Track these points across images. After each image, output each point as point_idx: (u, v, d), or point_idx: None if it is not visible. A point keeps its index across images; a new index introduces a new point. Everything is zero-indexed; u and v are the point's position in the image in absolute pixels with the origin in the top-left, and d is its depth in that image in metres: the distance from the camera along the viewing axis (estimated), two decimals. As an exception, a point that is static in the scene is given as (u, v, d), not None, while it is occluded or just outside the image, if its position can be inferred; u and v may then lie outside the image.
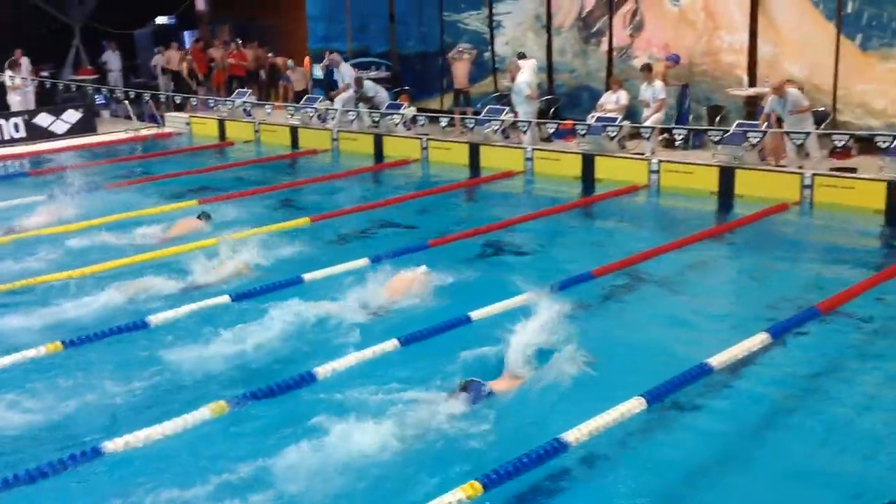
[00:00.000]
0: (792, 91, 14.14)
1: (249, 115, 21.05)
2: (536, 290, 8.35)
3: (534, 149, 16.49)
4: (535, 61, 17.87)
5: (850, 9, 15.11)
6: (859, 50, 15.07)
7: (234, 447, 6.62)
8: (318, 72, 21.88)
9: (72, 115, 21.42)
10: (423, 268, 9.88)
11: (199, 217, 12.79)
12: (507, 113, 17.36)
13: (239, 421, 7.01)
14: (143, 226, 12.65)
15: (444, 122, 18.15)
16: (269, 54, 23.65)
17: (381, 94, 19.48)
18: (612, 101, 16.50)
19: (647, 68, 16.05)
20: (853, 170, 13.83)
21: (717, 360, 7.62)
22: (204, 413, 6.96)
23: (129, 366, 8.03)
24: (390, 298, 9.45)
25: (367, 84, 19.44)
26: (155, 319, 8.99)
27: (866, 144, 14.10)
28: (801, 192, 13.44)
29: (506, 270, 10.72)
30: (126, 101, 22.38)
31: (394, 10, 21.61)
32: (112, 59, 26.15)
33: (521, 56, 18.16)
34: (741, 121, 15.28)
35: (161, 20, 28.70)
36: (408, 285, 9.65)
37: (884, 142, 13.12)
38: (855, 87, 15.12)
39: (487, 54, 19.84)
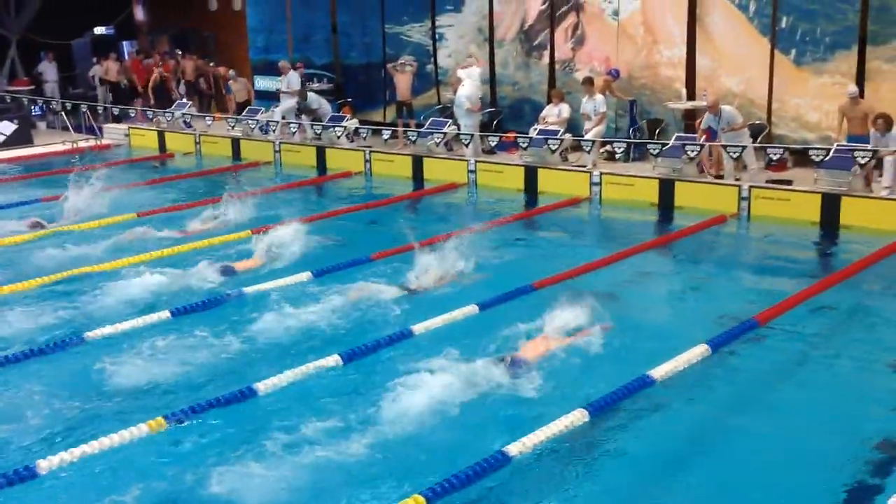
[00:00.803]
0: (726, 108, 14.39)
1: (190, 127, 20.84)
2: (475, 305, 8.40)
3: (477, 161, 16.55)
4: (480, 70, 17.94)
5: (784, 24, 15.43)
6: (793, 65, 15.39)
7: (172, 464, 6.54)
8: (261, 83, 21.69)
9: (7, 127, 21.04)
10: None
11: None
12: (450, 125, 17.41)
13: (179, 437, 6.92)
14: (79, 240, 12.46)
15: (386, 134, 18.14)
16: (211, 64, 23.43)
17: (325, 107, 19.42)
18: (554, 113, 16.63)
19: (588, 82, 16.21)
20: (789, 182, 14.11)
21: (658, 372, 7.70)
22: (142, 429, 6.86)
23: (65, 382, 7.89)
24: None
25: (311, 96, 19.37)
26: (92, 335, 8.84)
27: (801, 157, 14.39)
28: (739, 204, 13.66)
29: (449, 283, 10.71)
30: (63, 113, 22.01)
31: (336, 22, 21.56)
32: (48, 70, 25.70)
33: (469, 58, 18.25)
34: (680, 134, 15.50)
35: (99, 30, 28.28)
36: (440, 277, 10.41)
37: (817, 155, 13.39)
38: (789, 101, 15.44)
39: (430, 66, 19.88)
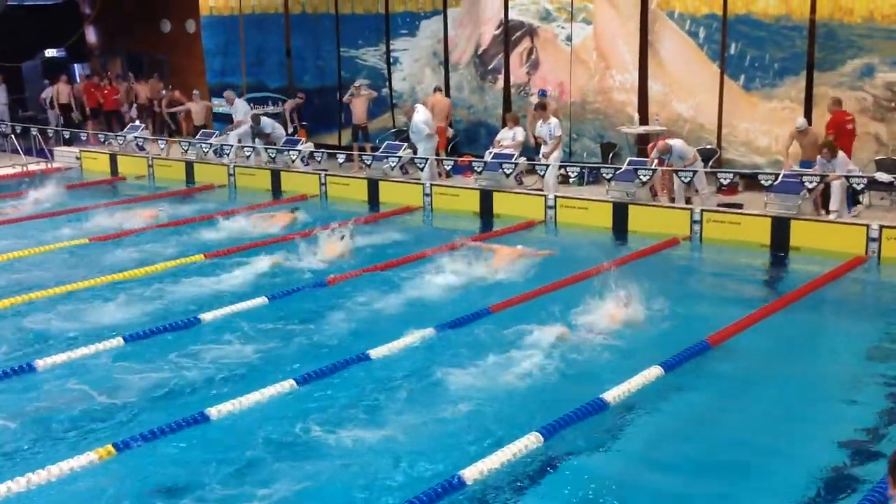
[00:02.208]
0: (676, 145, 14.51)
1: (143, 150, 20.67)
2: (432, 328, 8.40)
3: (432, 184, 16.60)
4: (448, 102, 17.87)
5: (733, 50, 15.71)
6: (742, 90, 15.67)
7: (121, 493, 6.46)
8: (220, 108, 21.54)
9: (-45, 150, 20.75)
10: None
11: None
12: (405, 149, 17.45)
13: (129, 466, 6.84)
14: (30, 265, 12.30)
15: (341, 158, 18.13)
16: (169, 88, 23.24)
17: (278, 130, 19.38)
18: (509, 137, 16.74)
19: (541, 106, 16.31)
20: (739, 206, 14.32)
21: (611, 395, 7.75)
22: (91, 457, 6.76)
23: (13, 411, 7.76)
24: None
25: (265, 120, 19.32)
26: (42, 363, 8.71)
27: (752, 181, 14.62)
28: (691, 228, 13.84)
29: (403, 308, 10.73)
30: (13, 136, 21.73)
31: (290, 45, 21.55)
32: (-2, 93, 25.39)
33: (437, 90, 18.33)
34: (633, 158, 15.68)
35: (51, 53, 28.00)
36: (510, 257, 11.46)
37: (766, 179, 13.62)
38: (739, 126, 15.70)
39: (385, 90, 19.94)
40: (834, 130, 14.00)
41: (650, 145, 15.18)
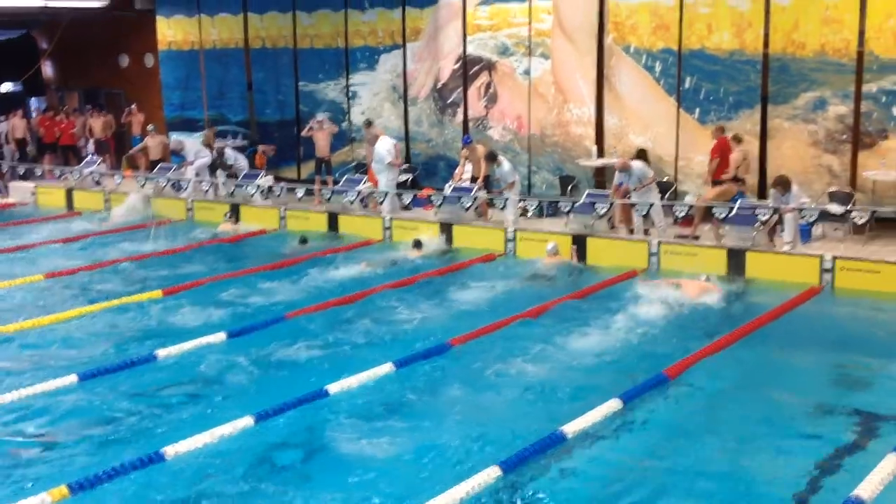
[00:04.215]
0: (636, 166, 14.72)
1: (99, 185, 20.48)
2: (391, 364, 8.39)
3: (392, 218, 16.60)
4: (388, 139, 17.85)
5: (688, 84, 15.94)
6: (698, 123, 15.89)
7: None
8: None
9: None
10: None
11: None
12: (365, 182, 17.46)
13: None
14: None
15: (300, 192, 18.09)
16: (132, 118, 23.05)
17: (241, 162, 19.34)
18: (467, 171, 16.81)
19: (491, 157, 16.24)
20: (696, 237, 14.47)
21: (570, 428, 7.76)
22: (44, 499, 6.64)
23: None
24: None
25: (228, 152, 19.28)
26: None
27: (708, 212, 14.75)
28: (649, 259, 13.96)
29: (366, 340, 10.70)
30: (-34, 171, 21.48)
31: (251, 79, 21.55)
32: (-47, 127, 25.05)
33: (368, 124, 18.37)
34: (591, 190, 15.81)
35: (6, 87, 27.75)
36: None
37: (721, 212, 13.79)
38: (695, 158, 15.89)
39: (345, 124, 19.97)
40: (718, 155, 14.75)
41: (616, 185, 15.21)
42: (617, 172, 14.91)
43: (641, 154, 15.52)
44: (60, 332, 10.97)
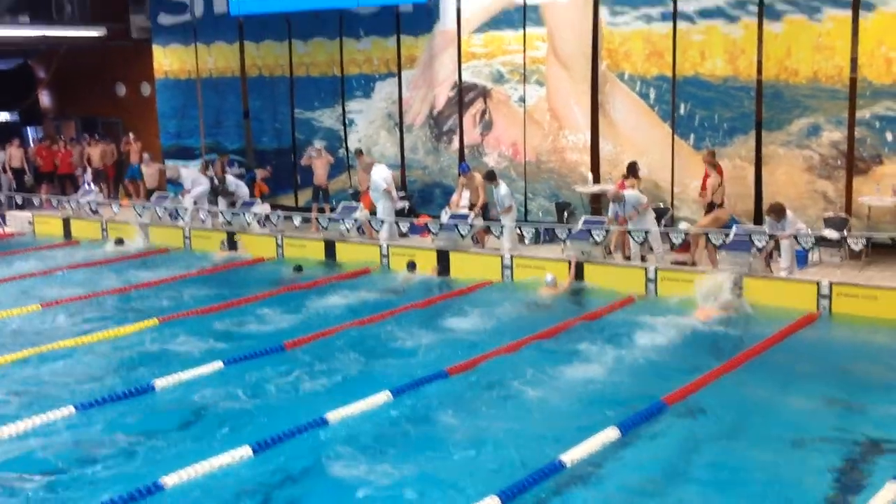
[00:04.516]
0: (629, 193, 14.77)
1: (96, 213, 20.50)
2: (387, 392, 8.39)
3: (389, 245, 16.62)
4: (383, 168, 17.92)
5: (682, 111, 16.02)
6: (693, 149, 15.95)
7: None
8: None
9: None
10: None
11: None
12: (361, 210, 17.48)
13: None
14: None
15: (297, 220, 18.13)
16: (130, 147, 23.07)
17: (242, 189, 19.39)
18: (465, 198, 16.86)
19: (490, 176, 16.38)
20: (693, 263, 14.49)
21: (569, 457, 7.75)
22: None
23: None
24: None
25: (229, 178, 19.34)
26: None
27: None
28: (646, 286, 13.98)
29: (363, 368, 10.71)
30: (-37, 201, 21.50)
31: (248, 107, 21.63)
32: (-50, 157, 25.08)
33: (359, 153, 18.45)
34: (588, 217, 15.86)
35: (3, 116, 27.81)
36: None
37: (717, 238, 13.83)
38: (691, 185, 15.94)
39: (342, 151, 20.03)
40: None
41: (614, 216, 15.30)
42: (611, 203, 14.94)
43: (631, 167, 15.70)
44: (57, 362, 10.96)
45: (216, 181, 19.40)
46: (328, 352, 11.24)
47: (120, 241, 18.96)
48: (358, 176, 18.57)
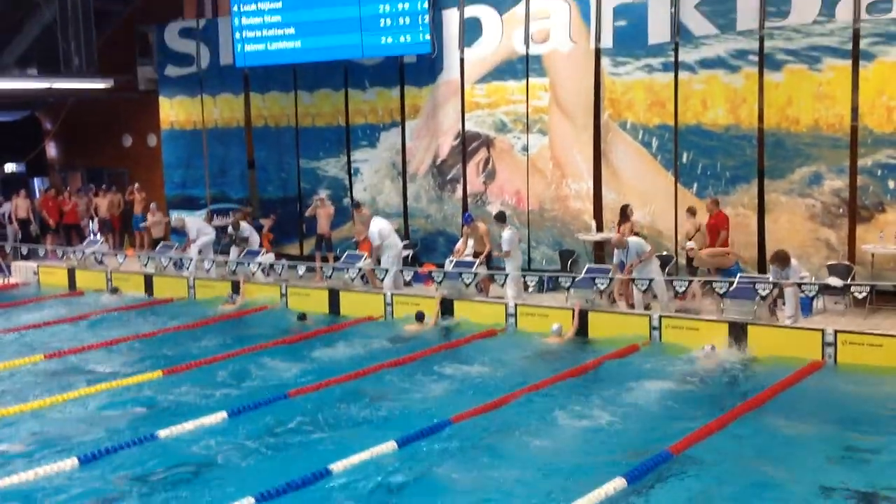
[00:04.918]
0: (632, 241, 14.82)
1: (101, 264, 20.57)
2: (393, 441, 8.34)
3: (393, 294, 16.63)
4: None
5: (685, 159, 16.12)
6: (696, 197, 16.01)
7: None
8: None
9: (-89, 266, 20.52)
10: None
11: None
12: (365, 259, 17.53)
13: None
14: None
15: (301, 269, 18.15)
16: (134, 197, 23.20)
17: (255, 236, 19.48)
18: (469, 246, 16.91)
19: (500, 217, 16.52)
20: (697, 311, 14.48)
21: (575, 508, 7.70)
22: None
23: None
24: None
25: (244, 225, 19.45)
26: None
27: (708, 286, 14.79)
28: (651, 334, 13.95)
29: (368, 418, 10.66)
30: (-32, 251, 21.58)
31: (253, 157, 21.78)
32: (-44, 208, 25.20)
33: (357, 206, 18.65)
34: (591, 265, 15.88)
35: (10, 168, 28.02)
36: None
37: (720, 287, 13.83)
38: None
39: (346, 200, 20.13)
40: (716, 224, 15.06)
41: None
42: (615, 250, 14.98)
43: (622, 211, 16.04)
44: (61, 413, 10.93)
45: (231, 229, 19.48)
46: (332, 401, 11.19)
47: (115, 291, 18.93)
48: (356, 227, 18.69)
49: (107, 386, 12.00)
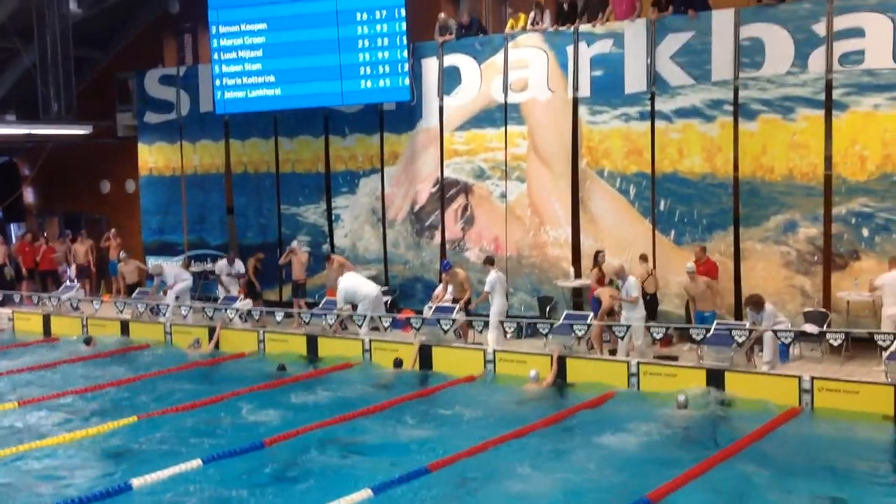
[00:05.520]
0: (630, 279, 14.95)
1: (77, 310, 20.41)
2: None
3: (371, 339, 16.58)
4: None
5: (662, 207, 16.25)
6: (674, 244, 16.13)
7: None
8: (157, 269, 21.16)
9: None
10: None
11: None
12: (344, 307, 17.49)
13: None
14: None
15: (279, 315, 18.09)
16: (110, 243, 23.08)
17: (233, 289, 19.51)
18: (449, 292, 16.92)
19: (489, 261, 16.62)
20: (675, 357, 14.53)
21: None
22: None
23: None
24: None
25: (238, 262, 19.71)
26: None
27: (687, 332, 14.83)
28: (629, 380, 13.95)
29: (344, 465, 10.59)
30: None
31: (232, 203, 21.76)
32: (-69, 254, 24.97)
33: (328, 257, 18.83)
34: (570, 311, 15.91)
35: (-14, 213, 27.85)
36: None
37: (698, 333, 13.89)
38: (672, 279, 16.07)
39: (326, 246, 20.12)
40: (703, 275, 14.98)
41: (600, 289, 15.51)
42: (617, 280, 15.14)
43: (594, 257, 16.25)
44: (34, 461, 10.78)
45: (249, 276, 19.86)
46: (309, 448, 11.12)
47: (88, 341, 18.62)
48: (328, 275, 18.72)
49: (81, 433, 11.86)
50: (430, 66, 18.69)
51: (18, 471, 10.43)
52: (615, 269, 15.20)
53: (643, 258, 15.72)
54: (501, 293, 16.29)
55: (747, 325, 13.68)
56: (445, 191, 18.67)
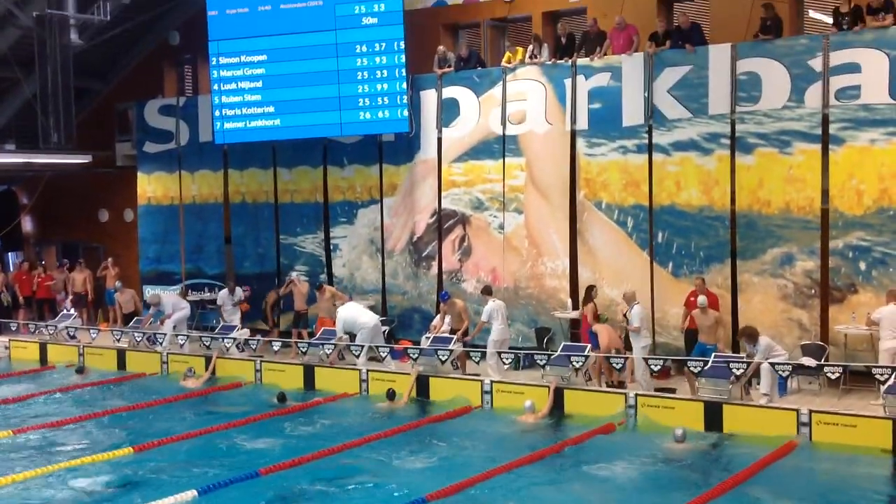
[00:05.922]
0: (635, 308, 14.98)
1: (74, 338, 20.35)
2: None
3: (369, 370, 16.53)
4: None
5: (660, 239, 16.30)
6: (672, 276, 16.16)
7: None
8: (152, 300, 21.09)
9: None
10: None
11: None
12: (341, 337, 17.45)
13: None
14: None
15: (276, 345, 18.07)
16: (107, 272, 23.06)
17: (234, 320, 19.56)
18: (447, 322, 16.91)
19: (486, 290, 16.66)
20: (672, 390, 14.50)
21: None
22: None
23: None
24: None
25: (238, 290, 19.76)
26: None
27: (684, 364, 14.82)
28: (626, 412, 13.91)
29: (340, 497, 10.53)
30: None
31: (230, 233, 21.79)
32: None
33: (319, 287, 18.87)
34: (567, 343, 15.90)
35: (-16, 242, 27.84)
36: None
37: (696, 366, 13.87)
38: (670, 311, 16.08)
39: (323, 276, 20.12)
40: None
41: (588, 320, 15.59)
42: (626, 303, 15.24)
43: (587, 291, 16.30)
44: (29, 491, 10.71)
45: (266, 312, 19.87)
46: (305, 479, 11.06)
47: (81, 370, 18.55)
48: (319, 305, 18.75)
49: (76, 462, 11.81)
50: (429, 98, 18.81)
51: (12, 501, 10.35)
52: (627, 295, 15.27)
53: (626, 298, 15.60)
54: (501, 321, 16.29)
55: (745, 357, 13.66)
56: (443, 222, 18.72)
